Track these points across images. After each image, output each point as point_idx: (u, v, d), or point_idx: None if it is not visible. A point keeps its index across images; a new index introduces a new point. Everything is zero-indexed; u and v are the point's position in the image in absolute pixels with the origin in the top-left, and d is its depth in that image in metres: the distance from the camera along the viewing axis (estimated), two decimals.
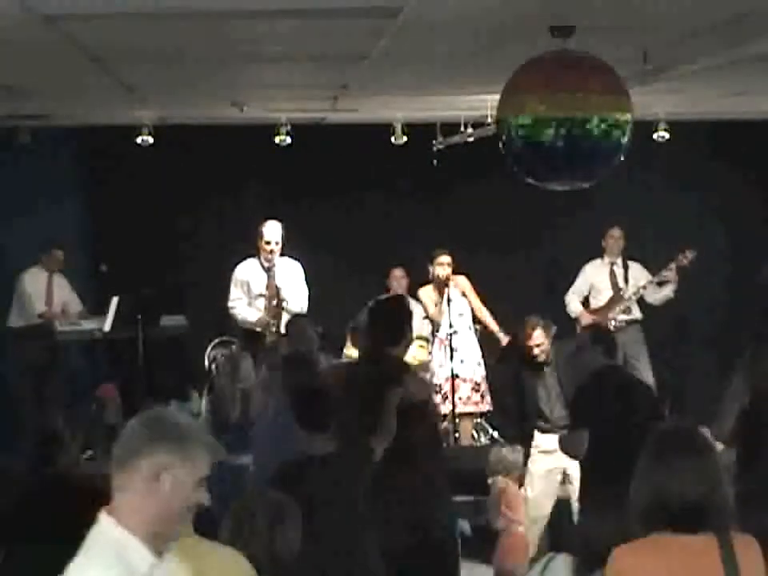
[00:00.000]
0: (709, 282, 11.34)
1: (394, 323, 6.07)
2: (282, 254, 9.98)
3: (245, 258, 10.08)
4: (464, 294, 10.51)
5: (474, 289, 10.55)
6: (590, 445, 6.44)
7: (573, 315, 10.97)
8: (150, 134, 10.93)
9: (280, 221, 9.99)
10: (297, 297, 9.96)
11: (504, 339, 10.21)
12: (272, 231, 9.92)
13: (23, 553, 5.11)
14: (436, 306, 10.37)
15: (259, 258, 9.97)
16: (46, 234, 10.90)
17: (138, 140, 10.94)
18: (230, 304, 10.01)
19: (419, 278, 10.74)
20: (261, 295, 9.85)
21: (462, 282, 10.56)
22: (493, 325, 10.41)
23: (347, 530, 5.23)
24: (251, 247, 10.17)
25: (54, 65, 6.97)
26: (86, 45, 6.27)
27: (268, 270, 9.92)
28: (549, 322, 9.12)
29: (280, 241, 9.91)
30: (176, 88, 8.56)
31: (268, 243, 9.87)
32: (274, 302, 9.77)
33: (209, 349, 10.31)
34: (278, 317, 9.70)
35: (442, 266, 10.38)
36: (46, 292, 10.71)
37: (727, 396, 6.81)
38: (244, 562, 3.48)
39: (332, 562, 5.10)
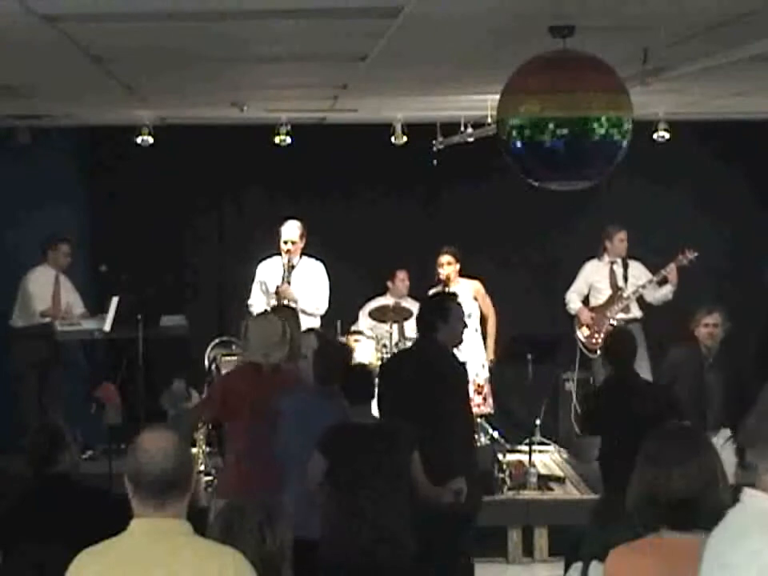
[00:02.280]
0: (708, 282, 11.34)
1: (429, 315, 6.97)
2: (308, 255, 10.03)
3: (267, 258, 10.12)
4: (476, 298, 10.53)
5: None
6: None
7: (572, 314, 11.00)
8: (150, 133, 10.93)
9: (299, 219, 10.02)
10: (313, 297, 9.96)
11: (490, 354, 10.37)
12: (289, 231, 9.98)
13: (23, 553, 5.11)
14: None
15: (282, 257, 10.05)
16: (46, 234, 10.89)
17: (138, 140, 10.94)
18: (249, 302, 10.08)
19: (419, 277, 10.76)
20: (274, 294, 9.91)
21: (475, 286, 10.55)
22: (490, 340, 10.47)
23: (388, 494, 5.82)
24: (251, 246, 10.19)
25: (54, 65, 6.96)
26: (86, 45, 6.27)
27: (286, 269, 9.97)
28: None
29: (297, 240, 9.97)
30: (176, 88, 8.56)
31: (285, 242, 9.96)
32: (278, 302, 9.81)
33: (209, 349, 10.31)
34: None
35: (442, 265, 10.44)
36: (53, 291, 10.70)
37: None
38: (245, 561, 3.48)
39: (370, 523, 5.74)
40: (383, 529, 5.78)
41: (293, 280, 9.96)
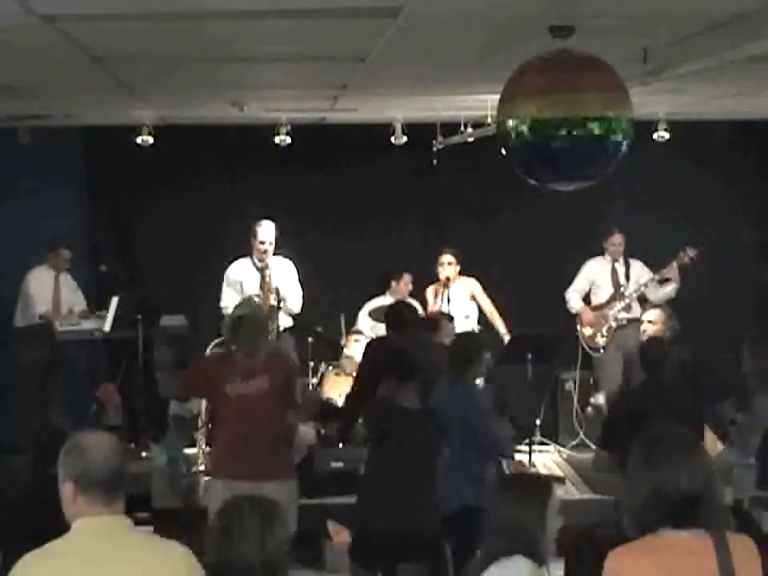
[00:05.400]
0: (708, 281, 11.34)
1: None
2: (274, 253, 10.04)
3: (236, 259, 10.14)
4: (473, 297, 10.59)
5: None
6: None
7: (573, 312, 11.01)
8: (150, 133, 10.93)
9: (273, 220, 10.03)
10: (291, 296, 10.00)
11: (506, 338, 10.35)
12: (266, 231, 9.99)
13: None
14: (434, 304, 10.42)
15: (252, 258, 10.03)
16: (46, 234, 10.90)
17: (138, 140, 10.94)
18: (222, 304, 10.08)
19: (419, 277, 10.77)
20: (256, 296, 9.89)
21: (471, 284, 10.62)
22: (501, 327, 10.51)
23: (421, 478, 6.35)
24: (251, 246, 10.18)
25: (54, 65, 6.97)
26: (86, 45, 6.27)
27: (261, 270, 9.96)
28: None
29: (274, 241, 9.97)
30: (176, 88, 8.56)
31: (262, 243, 9.95)
32: (273, 302, 9.81)
33: (209, 349, 10.30)
34: (274, 316, 9.72)
35: (443, 265, 10.46)
36: (53, 292, 10.70)
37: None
38: (194, 557, 3.52)
39: (397, 503, 6.30)
40: (412, 504, 6.32)
41: (269, 280, 9.97)
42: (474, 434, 6.86)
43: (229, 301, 10.02)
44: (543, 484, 4.57)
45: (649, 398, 6.92)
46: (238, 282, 10.05)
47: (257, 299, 9.83)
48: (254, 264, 10.04)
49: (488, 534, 4.37)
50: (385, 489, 6.43)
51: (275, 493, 6.29)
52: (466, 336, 7.96)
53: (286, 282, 10.03)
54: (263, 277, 9.97)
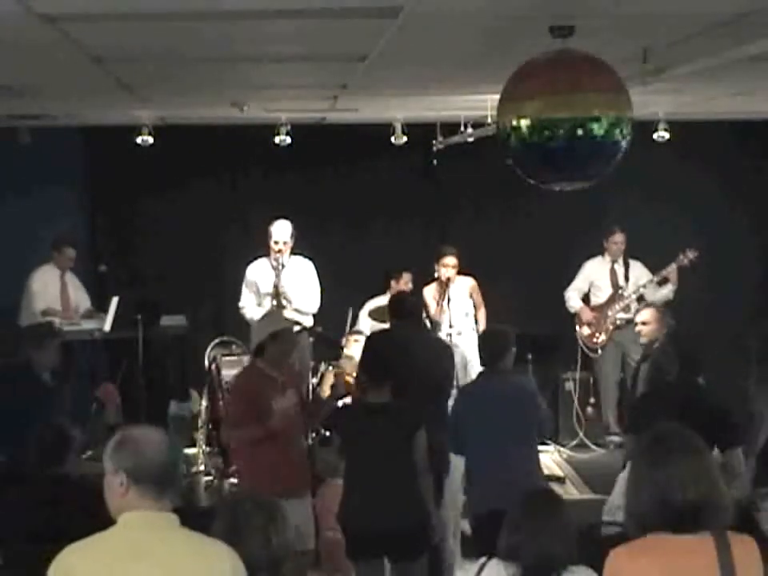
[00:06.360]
0: (708, 281, 11.34)
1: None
2: (295, 253, 10.00)
3: (256, 258, 10.10)
4: (471, 296, 10.62)
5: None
6: None
7: (572, 311, 11.02)
8: (150, 133, 10.94)
9: (288, 219, 10.00)
10: (306, 296, 9.94)
11: None
12: (280, 230, 9.93)
13: (23, 553, 5.11)
14: (438, 305, 10.42)
15: (269, 258, 9.99)
16: (45, 234, 10.90)
17: (138, 140, 10.94)
18: (240, 304, 10.04)
19: (419, 277, 10.77)
20: (268, 294, 9.88)
21: (469, 283, 10.63)
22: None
23: (396, 473, 6.33)
24: (251, 246, 10.17)
25: (54, 65, 6.97)
26: (86, 45, 6.27)
27: (276, 270, 9.93)
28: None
29: (289, 240, 9.92)
30: (176, 88, 8.56)
31: (276, 243, 9.90)
32: (274, 302, 9.80)
33: (209, 349, 10.31)
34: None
35: (446, 267, 10.46)
36: (61, 291, 10.70)
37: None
38: (237, 557, 3.52)
39: (378, 501, 6.27)
40: (390, 501, 6.27)
41: (284, 280, 9.92)
42: (520, 421, 6.65)
43: (246, 301, 10.00)
44: (564, 506, 4.51)
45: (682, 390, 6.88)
46: (254, 283, 10.03)
47: (268, 298, 9.85)
48: (271, 264, 10.01)
49: (511, 541, 4.29)
50: (363, 488, 6.41)
51: (301, 506, 6.37)
52: (495, 331, 7.92)
53: (302, 281, 9.99)
54: (276, 277, 9.94)
